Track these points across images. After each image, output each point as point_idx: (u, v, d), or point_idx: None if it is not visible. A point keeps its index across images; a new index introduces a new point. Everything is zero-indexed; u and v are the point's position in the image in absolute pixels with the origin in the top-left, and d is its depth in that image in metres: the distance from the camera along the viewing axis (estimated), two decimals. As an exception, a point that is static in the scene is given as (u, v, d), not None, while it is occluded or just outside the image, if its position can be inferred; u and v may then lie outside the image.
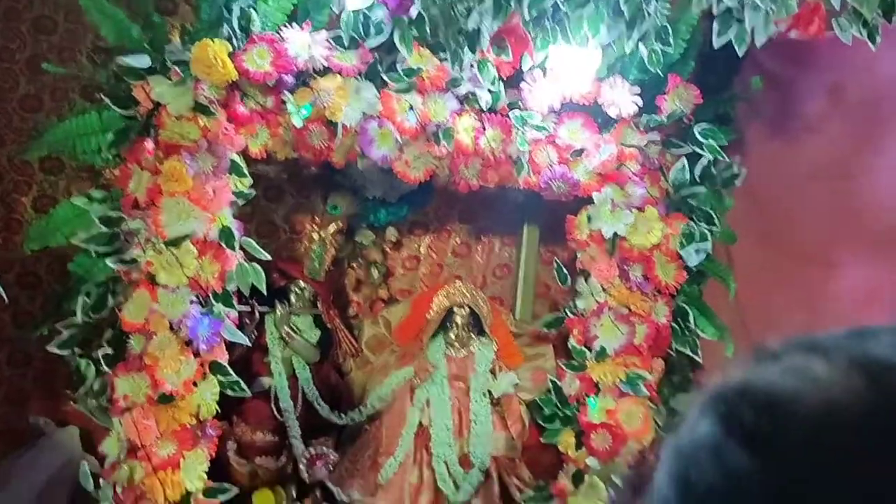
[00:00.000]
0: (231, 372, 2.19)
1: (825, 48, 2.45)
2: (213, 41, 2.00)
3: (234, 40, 2.06)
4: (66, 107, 2.33)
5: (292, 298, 2.75)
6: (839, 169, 2.60)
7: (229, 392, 2.21)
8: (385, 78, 2.21)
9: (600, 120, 2.47)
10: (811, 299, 2.60)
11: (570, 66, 2.29)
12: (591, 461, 2.52)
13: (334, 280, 2.95)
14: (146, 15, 2.04)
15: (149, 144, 2.05)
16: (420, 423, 2.72)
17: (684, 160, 2.52)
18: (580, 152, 2.44)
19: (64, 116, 2.11)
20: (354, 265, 3.04)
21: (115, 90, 2.06)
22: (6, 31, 2.42)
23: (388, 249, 3.05)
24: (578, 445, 2.54)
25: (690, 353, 2.61)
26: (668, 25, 2.10)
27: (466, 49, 1.99)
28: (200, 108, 2.04)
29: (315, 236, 2.84)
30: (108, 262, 2.03)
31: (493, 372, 2.81)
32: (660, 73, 2.30)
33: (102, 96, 2.04)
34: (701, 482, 0.39)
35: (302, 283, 2.76)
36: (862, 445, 0.32)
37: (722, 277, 2.67)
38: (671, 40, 2.12)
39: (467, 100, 2.34)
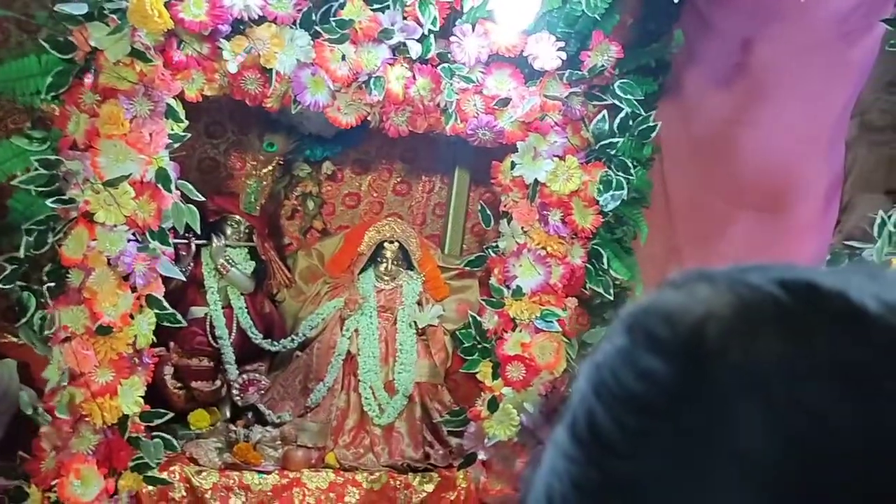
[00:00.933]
0: (167, 305, 2.36)
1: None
2: (149, -9, 2.09)
3: (171, -12, 2.16)
4: (4, 47, 2.40)
5: (228, 231, 2.90)
6: (767, 117, 2.79)
7: (165, 324, 2.38)
8: (319, 29, 2.33)
9: (526, 72, 2.63)
10: (733, 240, 2.85)
11: (505, 14, 2.43)
12: (507, 391, 2.76)
13: (269, 213, 3.10)
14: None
15: (87, 86, 2.15)
16: (349, 351, 2.94)
17: (605, 112, 2.70)
18: (506, 102, 2.61)
19: (3, 58, 2.19)
20: (291, 196, 3.19)
21: (54, 34, 2.14)
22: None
23: (323, 180, 3.20)
24: (495, 376, 2.78)
25: (603, 292, 2.85)
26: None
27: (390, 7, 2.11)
28: (137, 55, 2.15)
29: (251, 172, 2.98)
30: (48, 202, 2.16)
31: (419, 304, 3.03)
32: (581, 30, 2.45)
33: (42, 41, 2.13)
34: (617, 385, 0.46)
35: (238, 217, 2.91)
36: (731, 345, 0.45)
37: (635, 222, 2.90)
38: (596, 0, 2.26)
39: (399, 49, 2.47)
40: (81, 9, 2.08)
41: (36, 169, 2.17)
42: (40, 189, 2.19)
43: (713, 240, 2.89)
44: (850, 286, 0.45)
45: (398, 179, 3.22)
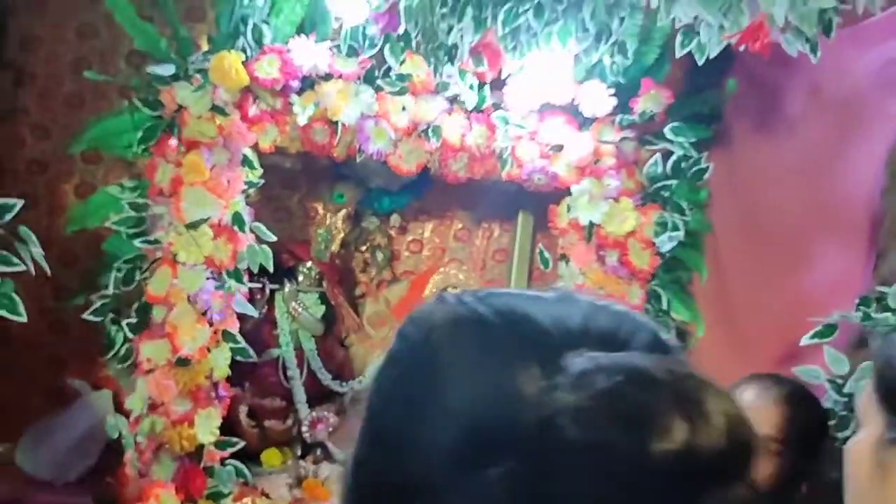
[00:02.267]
0: (240, 339, 2.62)
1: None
2: (229, 52, 2.42)
3: (248, 50, 2.48)
4: (104, 105, 2.77)
5: (300, 277, 3.16)
6: (812, 166, 2.94)
7: (238, 357, 2.64)
8: (380, 83, 2.61)
9: (579, 118, 2.84)
10: (787, 288, 2.96)
11: (545, 72, 2.67)
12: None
13: (341, 261, 3.36)
14: (173, 29, 2.47)
15: (173, 141, 2.48)
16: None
17: (658, 155, 2.89)
18: (559, 147, 2.83)
19: (102, 116, 2.54)
20: (362, 248, 3.45)
21: (145, 94, 2.49)
22: (54, 36, 2.85)
23: (392, 234, 3.45)
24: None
25: (664, 333, 2.98)
26: (627, 42, 2.47)
27: (447, 62, 2.37)
28: (217, 110, 2.47)
29: (323, 221, 3.25)
30: (136, 242, 2.47)
31: (482, 348, 3.21)
32: (621, 80, 2.67)
33: (135, 100, 2.47)
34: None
35: (309, 264, 3.18)
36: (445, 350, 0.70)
37: (694, 265, 3.05)
38: (629, 54, 2.48)
39: (455, 101, 2.73)
40: (169, 70, 2.42)
41: (127, 213, 2.49)
42: (130, 231, 2.50)
43: (760, 283, 3.01)
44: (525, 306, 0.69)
45: (459, 226, 3.44)
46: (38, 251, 2.14)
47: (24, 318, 2.03)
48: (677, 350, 0.72)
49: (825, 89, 2.89)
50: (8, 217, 2.11)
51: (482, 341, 0.67)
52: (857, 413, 1.30)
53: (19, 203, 2.15)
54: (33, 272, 2.17)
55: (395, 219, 3.41)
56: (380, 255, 3.45)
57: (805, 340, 2.63)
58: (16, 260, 2.09)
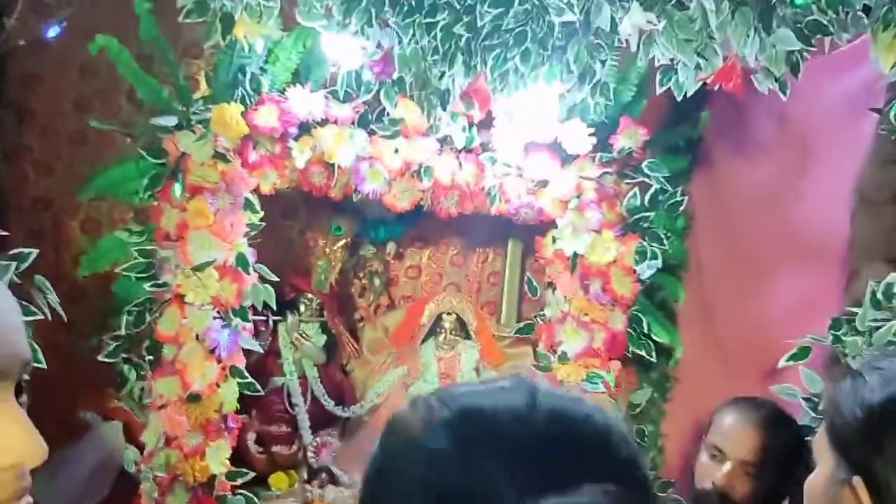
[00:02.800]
0: (247, 375, 2.75)
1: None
2: (228, 104, 2.56)
3: (247, 99, 2.62)
4: (107, 142, 2.89)
5: (301, 308, 3.29)
6: (784, 189, 3.03)
7: (246, 392, 2.77)
8: (374, 127, 2.75)
9: (562, 155, 2.98)
10: (764, 302, 3.08)
11: (531, 112, 2.81)
12: (557, 449, 3.03)
13: (340, 290, 3.49)
14: (175, 80, 2.61)
15: (177, 187, 2.61)
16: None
17: (636, 189, 3.03)
18: (544, 183, 2.96)
19: (108, 164, 2.67)
20: (360, 275, 3.58)
21: (150, 143, 2.62)
22: (55, 75, 2.96)
23: (389, 261, 3.58)
24: (546, 435, 3.05)
25: (645, 355, 3.13)
26: (610, 82, 2.60)
27: (439, 106, 2.51)
28: (219, 157, 2.61)
29: (322, 253, 3.39)
30: (146, 286, 2.61)
31: (476, 370, 3.35)
32: (605, 120, 2.80)
33: (139, 149, 2.61)
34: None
35: (310, 295, 3.31)
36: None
37: (672, 290, 3.19)
38: (611, 95, 2.62)
39: (445, 141, 2.87)
40: (172, 121, 2.56)
41: (135, 258, 2.62)
42: (139, 275, 2.63)
43: (742, 303, 3.12)
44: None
45: (455, 252, 3.58)
46: (54, 298, 2.26)
47: (44, 365, 2.15)
48: (619, 427, 0.85)
49: (796, 116, 2.97)
50: (24, 266, 2.22)
51: (447, 450, 0.79)
52: (813, 452, 1.41)
53: (34, 253, 2.26)
54: (50, 319, 2.28)
55: (391, 247, 3.54)
56: (377, 281, 3.58)
57: (782, 363, 2.74)
58: (33, 309, 2.20)
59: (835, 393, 1.31)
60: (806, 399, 2.60)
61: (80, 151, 2.97)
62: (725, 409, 2.57)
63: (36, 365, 2.15)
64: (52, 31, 2.37)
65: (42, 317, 2.24)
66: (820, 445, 1.34)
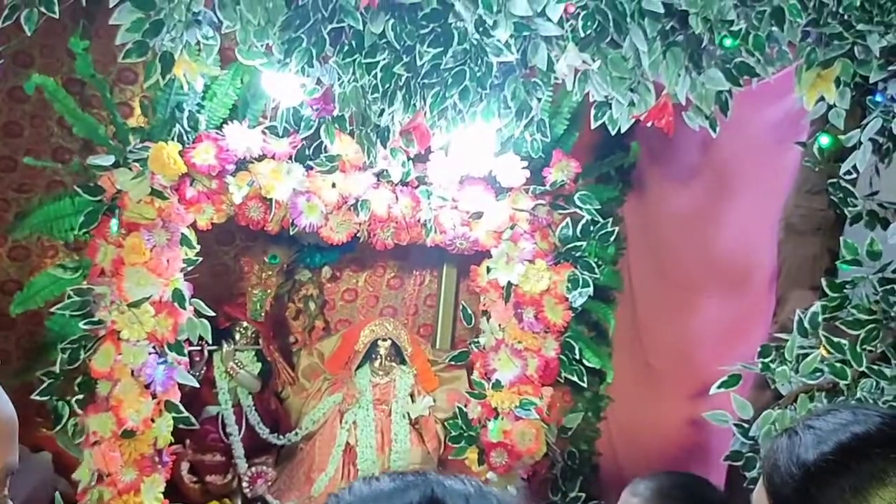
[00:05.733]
0: (182, 409, 2.69)
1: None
2: (166, 143, 2.49)
3: (185, 136, 2.56)
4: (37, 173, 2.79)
5: (237, 336, 3.23)
6: (713, 215, 3.07)
7: (181, 426, 2.70)
8: (311, 162, 2.71)
9: (496, 187, 3.00)
10: (691, 324, 3.13)
11: (468, 147, 2.82)
12: (491, 475, 3.05)
13: (275, 315, 3.44)
14: (111, 117, 2.53)
15: (114, 223, 2.53)
16: (347, 443, 3.24)
17: (568, 219, 3.06)
18: (479, 215, 2.97)
19: (44, 201, 2.58)
20: (294, 298, 3.53)
21: (85, 181, 2.54)
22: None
23: (324, 283, 3.54)
24: (481, 461, 3.07)
25: (577, 380, 3.16)
26: (546, 119, 2.62)
27: (378, 143, 2.49)
28: (156, 194, 2.54)
29: (257, 280, 3.33)
30: (81, 324, 2.52)
31: (412, 395, 3.33)
32: (540, 154, 2.83)
33: (75, 186, 2.52)
34: None
35: (245, 323, 3.25)
36: None
37: (603, 316, 3.24)
38: (548, 132, 2.64)
39: (382, 175, 2.86)
40: (109, 160, 2.48)
41: (70, 297, 2.53)
42: (74, 313, 2.54)
43: (672, 324, 3.18)
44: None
45: (392, 275, 3.56)
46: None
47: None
48: None
49: (723, 145, 2.99)
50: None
51: None
52: None
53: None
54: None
55: (326, 270, 3.51)
56: (312, 305, 3.54)
57: (713, 390, 2.76)
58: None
59: (772, 450, 1.34)
60: (737, 425, 2.61)
61: (7, 178, 2.86)
62: (637, 483, 2.26)
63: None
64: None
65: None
66: (758, 500, 1.36)
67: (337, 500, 0.86)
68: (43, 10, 1.95)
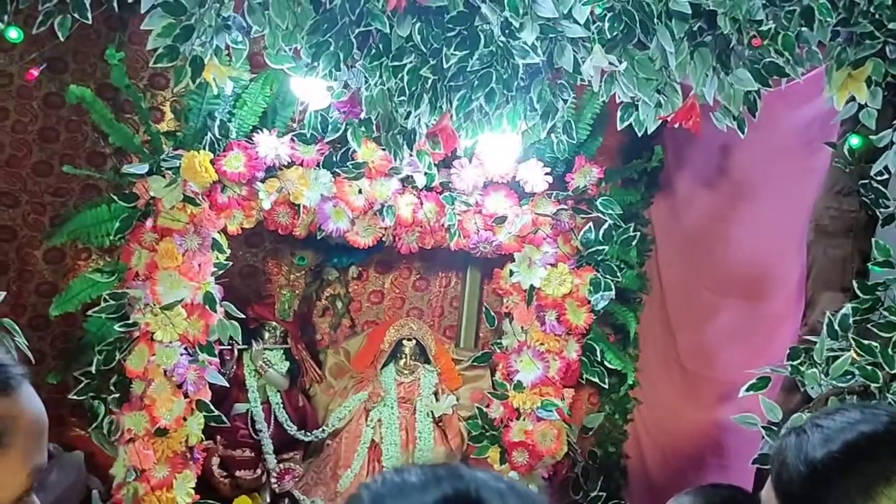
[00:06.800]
0: (213, 408, 2.60)
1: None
2: (198, 152, 2.40)
3: (216, 144, 2.46)
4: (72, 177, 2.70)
5: (266, 336, 3.13)
6: (743, 216, 2.93)
7: (212, 424, 2.60)
8: (338, 169, 2.61)
9: (520, 192, 2.88)
10: (721, 326, 2.98)
11: (493, 151, 2.70)
12: (513, 474, 2.92)
13: (303, 315, 3.33)
14: (146, 126, 2.43)
15: (147, 228, 2.43)
16: (373, 440, 3.13)
17: (591, 224, 2.93)
18: (502, 219, 2.86)
19: (81, 208, 2.50)
20: (322, 297, 3.43)
21: (121, 187, 2.45)
22: (20, 107, 2.74)
23: (350, 282, 3.42)
24: (503, 460, 2.95)
25: (599, 382, 3.03)
26: (573, 121, 2.49)
27: (405, 146, 2.37)
28: (188, 200, 2.44)
29: (285, 281, 3.22)
30: (116, 326, 2.42)
31: (436, 394, 3.21)
32: (560, 157, 2.71)
33: (111, 194, 2.44)
34: None
35: (274, 323, 3.15)
36: None
37: (625, 319, 3.10)
38: (574, 133, 2.51)
39: (407, 181, 2.74)
40: (143, 169, 2.39)
41: (106, 300, 2.44)
42: (110, 315, 2.45)
43: (702, 325, 3.04)
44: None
45: (417, 277, 3.44)
46: (21, 341, 2.08)
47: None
48: None
49: (752, 145, 2.83)
50: (-10, 309, 2.04)
51: None
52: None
53: (1, 295, 2.08)
54: (17, 359, 2.09)
55: (353, 270, 3.39)
56: (339, 304, 3.43)
57: (741, 393, 2.62)
58: (-1, 351, 2.01)
59: (780, 448, 1.29)
60: (765, 428, 2.48)
61: (44, 183, 2.77)
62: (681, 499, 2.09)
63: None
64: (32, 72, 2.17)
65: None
66: (767, 498, 1.30)
67: (368, 491, 0.80)
68: (76, 16, 1.84)
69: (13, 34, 1.95)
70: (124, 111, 2.59)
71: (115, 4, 1.85)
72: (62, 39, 1.87)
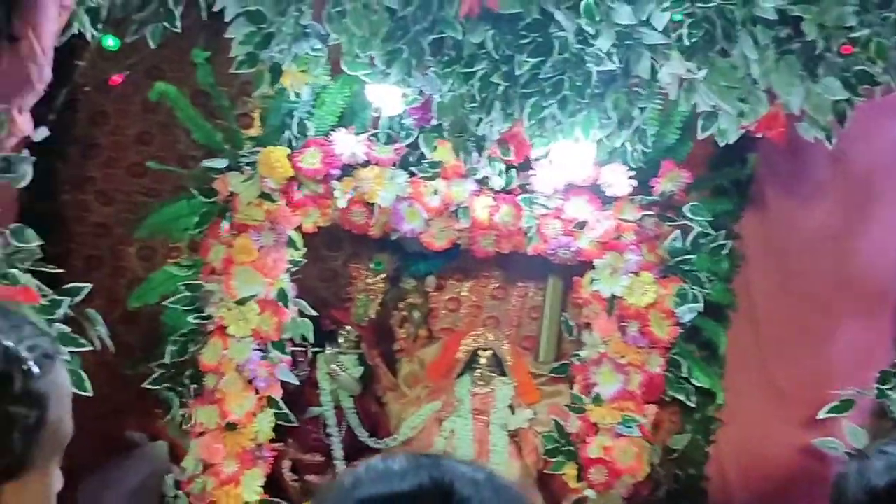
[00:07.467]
0: (283, 406, 3.01)
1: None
2: (275, 147, 2.81)
3: (294, 141, 2.87)
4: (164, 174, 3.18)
5: (340, 340, 3.51)
6: (838, 233, 3.12)
7: (281, 422, 3.00)
8: (414, 168, 2.97)
9: (602, 196, 3.16)
10: (822, 347, 3.17)
11: (571, 156, 3.00)
12: (590, 493, 3.20)
13: (379, 322, 3.70)
14: (227, 124, 2.89)
15: (225, 225, 2.87)
16: (445, 451, 3.45)
17: (678, 232, 3.18)
18: (583, 224, 3.15)
19: (163, 203, 2.98)
20: (399, 307, 3.79)
21: (201, 182, 2.90)
22: (119, 111, 3.26)
23: (428, 293, 3.78)
24: (579, 478, 3.23)
25: (685, 399, 3.27)
26: (646, 129, 2.77)
27: (476, 151, 2.71)
28: (265, 196, 2.87)
29: (363, 286, 3.61)
30: (190, 318, 2.86)
31: (511, 408, 3.52)
32: (643, 164, 2.98)
33: (192, 189, 2.90)
34: None
35: (349, 327, 3.53)
36: None
37: (713, 334, 3.32)
38: (648, 142, 2.78)
39: (483, 183, 3.08)
40: (222, 163, 2.82)
41: (182, 291, 2.88)
42: (185, 307, 2.89)
43: (804, 347, 3.23)
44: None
45: (496, 285, 3.76)
46: (104, 331, 2.51)
47: (90, 393, 2.38)
48: None
49: (851, 157, 3.03)
50: (77, 300, 2.47)
51: None
52: None
53: (87, 287, 2.51)
54: (99, 349, 2.53)
55: (430, 280, 3.74)
56: (416, 314, 3.79)
57: (821, 414, 2.79)
58: (83, 340, 2.45)
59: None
60: (849, 454, 2.65)
61: (138, 183, 3.28)
62: None
63: (83, 393, 2.41)
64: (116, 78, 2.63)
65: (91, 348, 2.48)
66: None
67: (351, 474, 0.93)
68: (166, 25, 2.26)
69: (110, 42, 2.40)
70: (215, 117, 3.04)
71: (204, 14, 2.25)
72: (153, 47, 2.29)
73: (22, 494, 0.92)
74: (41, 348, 0.94)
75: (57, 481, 0.99)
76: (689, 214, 3.16)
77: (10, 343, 0.91)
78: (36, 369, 0.91)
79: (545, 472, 3.39)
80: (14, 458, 0.90)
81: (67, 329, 2.41)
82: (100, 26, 2.32)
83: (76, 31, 2.33)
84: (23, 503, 0.92)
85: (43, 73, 2.12)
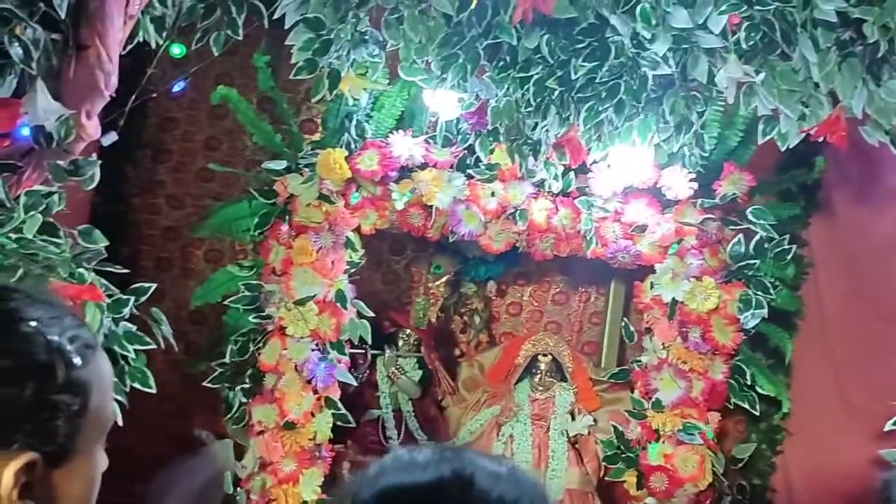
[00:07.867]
0: (341, 406, 3.20)
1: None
2: (333, 150, 3.00)
3: (352, 144, 3.06)
4: (231, 178, 3.42)
5: (399, 343, 3.70)
6: None
7: (339, 423, 3.20)
8: (471, 171, 3.13)
9: (663, 200, 3.28)
10: (891, 358, 3.24)
11: (627, 160, 3.12)
12: (651, 500, 3.32)
13: (440, 327, 3.88)
14: (287, 127, 3.11)
15: (284, 226, 3.07)
16: (504, 456, 3.61)
17: (741, 236, 3.29)
18: (643, 228, 3.28)
19: (224, 204, 3.22)
20: (461, 312, 3.97)
21: (261, 185, 3.10)
22: (188, 117, 3.55)
23: (490, 298, 3.94)
24: (640, 486, 3.35)
25: (749, 408, 3.36)
26: (704, 134, 2.87)
27: (530, 155, 2.84)
28: (324, 198, 3.06)
29: (422, 290, 3.79)
30: (251, 318, 3.07)
31: (571, 414, 3.66)
32: (701, 169, 3.09)
33: (252, 191, 3.11)
34: None
35: (408, 330, 3.71)
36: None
37: (779, 341, 3.41)
38: (706, 146, 2.89)
39: (541, 185, 3.23)
40: (282, 164, 3.03)
41: (243, 291, 3.09)
42: (246, 307, 3.10)
43: (874, 358, 3.29)
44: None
45: (557, 290, 3.92)
46: (168, 330, 2.71)
47: (153, 390, 2.57)
48: None
49: None
50: (143, 300, 2.67)
51: None
52: None
53: (152, 287, 2.71)
54: (164, 347, 2.74)
55: (491, 285, 3.92)
56: (477, 319, 3.96)
57: (888, 427, 2.86)
58: (148, 339, 2.65)
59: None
60: None
61: (207, 188, 3.57)
62: None
63: (147, 390, 2.61)
64: (178, 87, 2.85)
65: (155, 346, 2.69)
66: None
67: (379, 463, 0.98)
68: (230, 33, 2.46)
69: (176, 50, 2.62)
70: (279, 122, 3.26)
71: (266, 22, 2.44)
72: (216, 54, 2.50)
73: (70, 478, 1.01)
74: (82, 339, 1.01)
75: (102, 461, 1.08)
76: (751, 218, 3.26)
77: (53, 336, 0.98)
78: (77, 359, 0.99)
79: (606, 479, 3.52)
80: (60, 444, 0.98)
81: (133, 327, 2.60)
82: (164, 34, 2.53)
83: (141, 39, 2.54)
84: (71, 485, 1.01)
85: (110, 80, 2.31)
